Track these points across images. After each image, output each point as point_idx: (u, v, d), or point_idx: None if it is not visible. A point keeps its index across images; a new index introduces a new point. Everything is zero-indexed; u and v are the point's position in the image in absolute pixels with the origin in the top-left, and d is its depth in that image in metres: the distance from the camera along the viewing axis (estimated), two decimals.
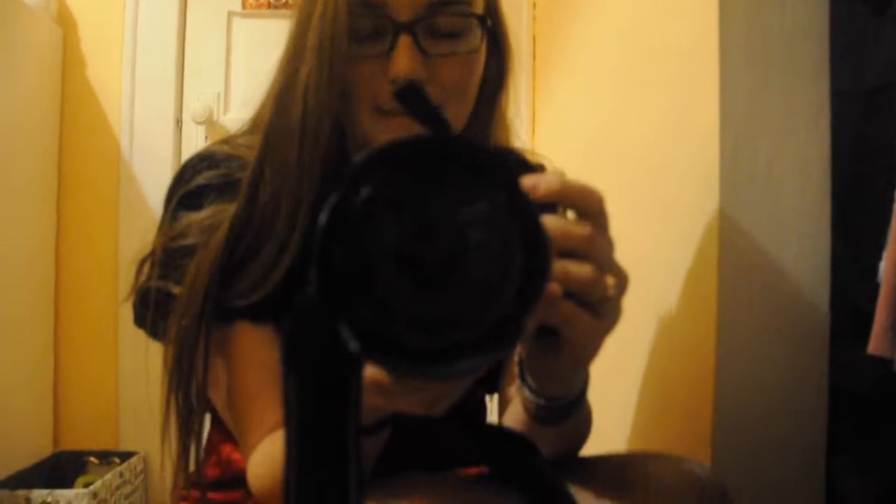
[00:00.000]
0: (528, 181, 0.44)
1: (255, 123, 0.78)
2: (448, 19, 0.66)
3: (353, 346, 0.35)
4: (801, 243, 0.84)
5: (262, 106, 0.76)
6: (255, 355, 0.69)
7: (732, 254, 0.85)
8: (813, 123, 0.85)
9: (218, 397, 0.74)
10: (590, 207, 0.46)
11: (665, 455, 0.69)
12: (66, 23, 2.13)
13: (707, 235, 0.87)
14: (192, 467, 0.73)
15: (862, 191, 0.83)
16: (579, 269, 0.45)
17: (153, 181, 2.14)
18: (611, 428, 1.15)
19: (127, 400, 2.13)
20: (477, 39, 0.69)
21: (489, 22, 0.71)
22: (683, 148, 0.96)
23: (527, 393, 0.58)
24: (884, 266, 0.66)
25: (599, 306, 0.47)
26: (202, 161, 0.74)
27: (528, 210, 0.37)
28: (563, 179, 0.46)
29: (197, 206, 0.71)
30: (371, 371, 0.41)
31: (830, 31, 0.85)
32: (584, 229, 0.46)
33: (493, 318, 0.36)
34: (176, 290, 0.69)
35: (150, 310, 0.71)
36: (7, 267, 1.87)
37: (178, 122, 2.18)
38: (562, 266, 0.44)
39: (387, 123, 0.68)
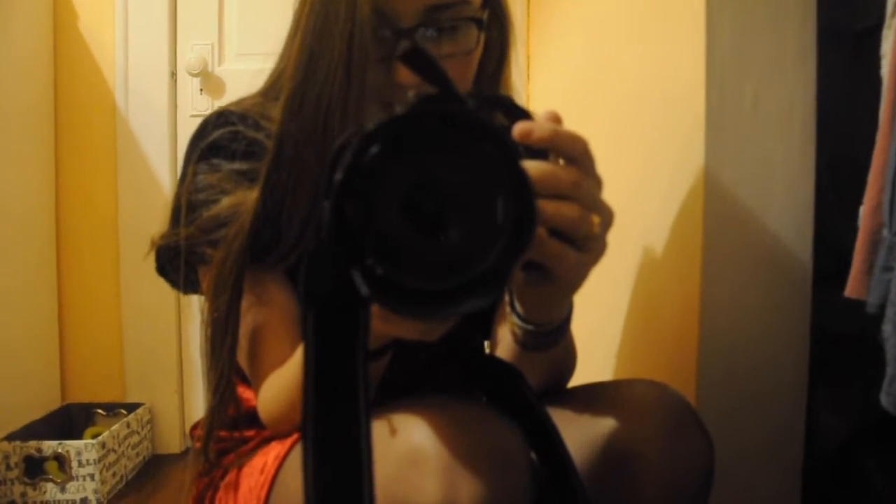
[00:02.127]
0: (522, 128, 0.48)
1: (269, 87, 0.81)
2: (447, 18, 0.69)
3: (364, 290, 0.39)
4: (786, 185, 0.85)
5: (277, 73, 0.80)
6: (269, 297, 0.75)
7: (717, 194, 0.85)
8: (799, 64, 0.84)
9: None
10: (576, 152, 0.50)
11: (638, 379, 0.74)
12: None
13: (693, 176, 0.87)
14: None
15: (847, 131, 0.83)
16: (566, 210, 0.49)
17: (149, 133, 2.13)
18: (598, 368, 1.17)
19: (132, 353, 2.16)
20: (474, 39, 0.72)
21: (485, 15, 0.74)
22: (670, 89, 0.96)
23: (515, 320, 0.63)
24: (862, 211, 0.67)
25: (585, 242, 0.51)
26: (220, 118, 0.78)
27: (516, 165, 0.41)
28: (553, 127, 0.50)
29: (216, 163, 0.76)
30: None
31: None
32: (570, 173, 0.50)
33: (487, 262, 0.40)
34: (202, 244, 0.74)
35: (179, 262, 0.76)
36: (7, 224, 1.89)
37: (173, 74, 2.16)
38: (551, 207, 0.48)
39: None
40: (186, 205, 0.75)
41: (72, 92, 2.13)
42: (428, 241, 0.40)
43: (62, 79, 2.12)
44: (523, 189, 0.40)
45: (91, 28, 2.12)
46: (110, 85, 2.13)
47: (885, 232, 0.59)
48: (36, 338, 2.04)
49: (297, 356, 0.68)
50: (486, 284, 0.40)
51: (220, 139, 0.76)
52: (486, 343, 0.90)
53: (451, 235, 0.40)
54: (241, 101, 0.81)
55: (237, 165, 0.75)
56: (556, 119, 0.52)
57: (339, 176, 0.39)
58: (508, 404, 0.64)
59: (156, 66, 2.13)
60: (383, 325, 0.48)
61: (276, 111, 0.73)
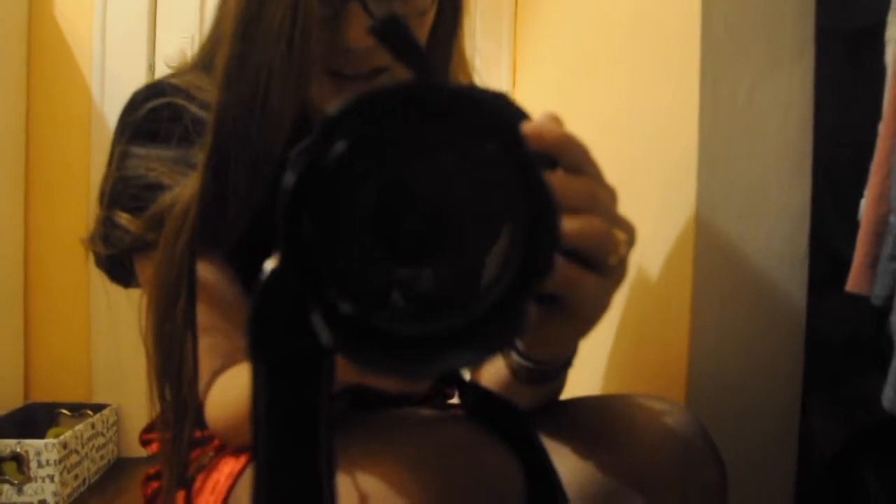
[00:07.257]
0: (530, 128, 0.38)
1: (203, 59, 0.76)
2: None
3: (325, 336, 0.29)
4: (781, 184, 0.82)
5: (212, 43, 0.75)
6: (208, 288, 0.67)
7: (710, 193, 0.83)
8: (795, 62, 0.82)
9: None
10: (584, 160, 0.41)
11: (646, 405, 0.65)
12: None
13: (685, 174, 0.85)
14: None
15: (844, 131, 0.81)
16: (589, 227, 0.39)
17: None
18: (587, 372, 1.14)
19: (99, 353, 2.10)
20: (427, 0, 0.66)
21: None
22: (663, 85, 0.94)
23: (514, 356, 0.54)
24: (864, 203, 0.64)
25: (608, 265, 0.41)
26: (150, 89, 0.73)
27: (528, 164, 0.30)
28: (562, 130, 0.40)
29: (150, 139, 0.69)
30: None
31: None
32: (584, 183, 0.40)
33: (491, 298, 0.30)
34: (133, 226, 0.68)
35: (112, 248, 0.71)
36: None
37: (151, 66, 2.11)
38: (572, 224, 0.38)
39: (343, 89, 0.65)
40: (111, 192, 0.69)
41: (45, 80, 2.07)
42: (408, 272, 0.30)
43: (35, 66, 2.07)
44: (539, 197, 0.30)
45: (68, 15, 2.08)
46: (86, 74, 2.08)
47: (893, 219, 0.56)
48: None
49: (246, 376, 0.62)
50: (488, 329, 0.30)
51: (151, 116, 0.70)
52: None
53: (439, 264, 0.30)
54: (173, 74, 0.76)
55: (172, 152, 0.69)
56: (558, 122, 0.41)
57: (290, 180, 0.28)
58: (499, 428, 0.55)
59: (134, 57, 2.09)
60: (355, 377, 0.39)
61: (211, 82, 0.68)
